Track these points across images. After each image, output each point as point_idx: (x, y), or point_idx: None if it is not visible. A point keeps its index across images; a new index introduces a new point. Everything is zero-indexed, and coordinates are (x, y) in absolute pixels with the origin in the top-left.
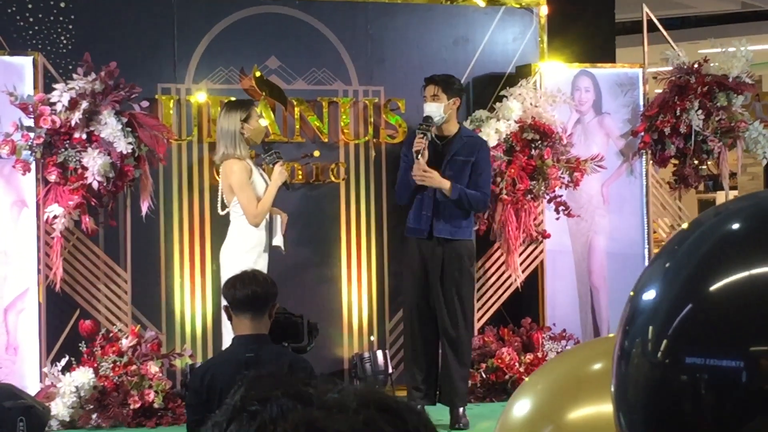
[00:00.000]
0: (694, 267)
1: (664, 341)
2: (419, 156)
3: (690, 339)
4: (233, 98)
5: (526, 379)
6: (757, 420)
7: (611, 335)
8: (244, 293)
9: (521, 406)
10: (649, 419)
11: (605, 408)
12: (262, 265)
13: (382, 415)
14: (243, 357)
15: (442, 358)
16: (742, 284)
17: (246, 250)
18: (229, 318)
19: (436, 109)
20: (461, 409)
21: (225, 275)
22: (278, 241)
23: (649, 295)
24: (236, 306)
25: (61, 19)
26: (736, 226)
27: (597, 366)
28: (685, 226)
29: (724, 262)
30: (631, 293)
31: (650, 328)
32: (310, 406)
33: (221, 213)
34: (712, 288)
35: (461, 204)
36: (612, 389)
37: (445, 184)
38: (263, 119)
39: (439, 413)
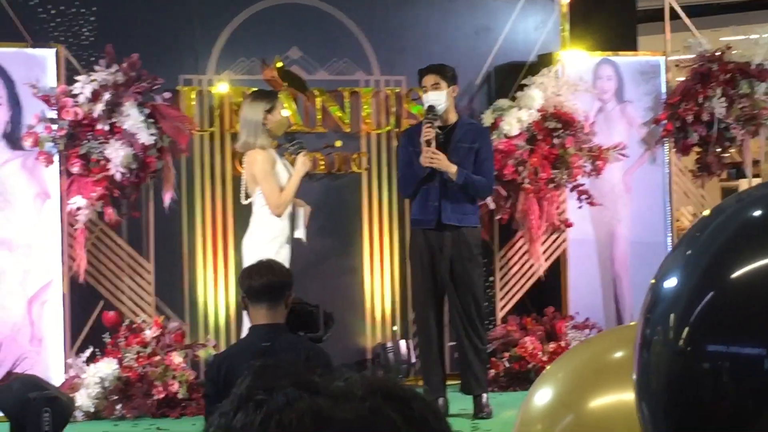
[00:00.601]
0: (715, 254)
1: (686, 329)
2: (430, 146)
3: (712, 327)
4: (255, 89)
5: (548, 367)
6: None
7: (633, 323)
8: (260, 283)
9: (542, 395)
10: (671, 407)
11: (627, 396)
12: (284, 255)
13: (389, 403)
14: (260, 346)
15: (459, 347)
16: (764, 271)
17: (268, 240)
18: (246, 308)
19: (439, 97)
20: (485, 397)
21: (247, 265)
22: (300, 233)
23: (671, 282)
24: (252, 296)
25: (83, 11)
26: (758, 213)
27: (618, 354)
28: (707, 213)
29: (745, 249)
30: (653, 281)
31: (672, 315)
32: (317, 394)
33: (244, 203)
34: (734, 275)
35: (467, 189)
36: (633, 377)
37: (452, 168)
38: (286, 111)
39: (463, 402)
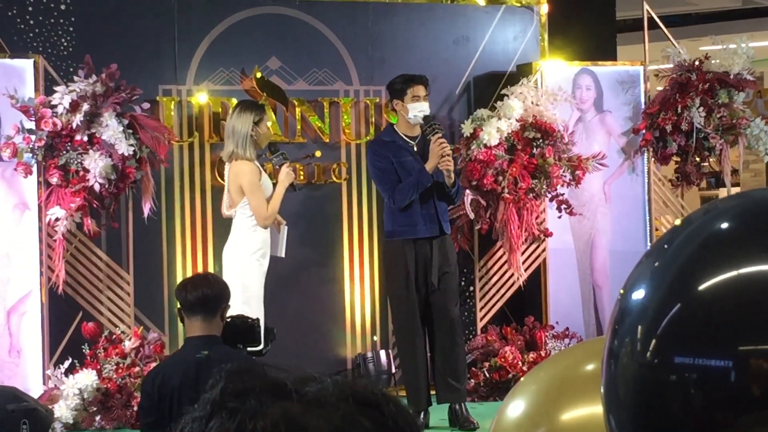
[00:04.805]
0: (682, 266)
1: (653, 341)
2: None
3: (679, 338)
4: (234, 99)
5: (521, 380)
6: (745, 419)
7: (604, 336)
8: (194, 295)
9: (514, 408)
10: (638, 419)
11: (598, 409)
12: (264, 268)
13: (361, 408)
14: (194, 358)
15: (447, 357)
16: (730, 283)
17: (250, 253)
18: (182, 320)
19: (427, 107)
20: (466, 406)
21: (228, 276)
22: (282, 252)
23: (638, 294)
24: (187, 308)
25: (61, 21)
26: (724, 225)
27: (590, 367)
28: (678, 222)
29: (712, 261)
30: (621, 292)
31: (639, 327)
32: (289, 400)
33: (227, 213)
34: (701, 287)
35: (456, 194)
36: (602, 390)
37: (453, 175)
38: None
39: (442, 413)
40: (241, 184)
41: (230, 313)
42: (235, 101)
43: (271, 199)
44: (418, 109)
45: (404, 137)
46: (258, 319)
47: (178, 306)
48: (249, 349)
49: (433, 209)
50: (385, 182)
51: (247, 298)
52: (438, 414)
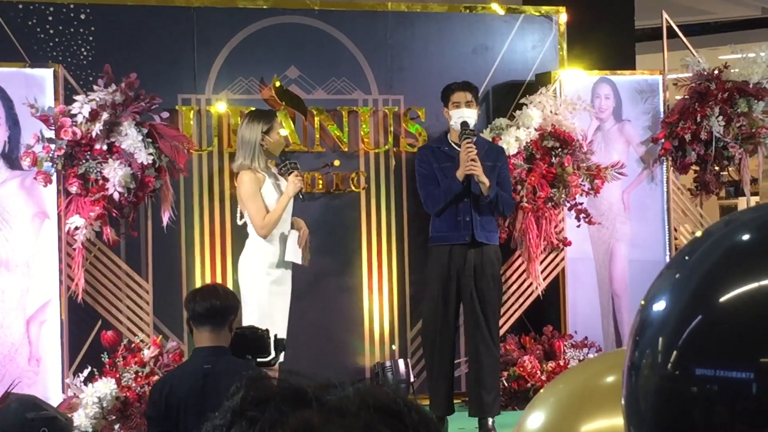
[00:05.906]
0: (703, 278)
1: (674, 352)
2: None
3: (700, 350)
4: (253, 108)
5: (540, 392)
6: (766, 431)
7: (624, 348)
8: (203, 307)
9: (534, 420)
10: (659, 431)
11: (618, 422)
12: (275, 275)
13: (381, 417)
14: (201, 369)
15: (476, 368)
16: (751, 295)
17: (257, 261)
18: (191, 331)
19: (472, 115)
20: (490, 421)
21: (243, 286)
22: (291, 256)
23: (659, 305)
24: (196, 319)
25: (81, 30)
26: (746, 236)
27: (610, 379)
28: (698, 234)
29: (733, 273)
30: (642, 303)
31: (660, 339)
32: (310, 408)
33: (239, 223)
34: (722, 299)
35: (496, 204)
36: (622, 402)
37: (486, 181)
38: (284, 130)
39: (462, 421)
40: (240, 194)
41: (244, 322)
42: None
43: (273, 209)
44: (457, 115)
45: (452, 144)
46: (268, 330)
47: (187, 317)
48: (259, 359)
49: (468, 217)
50: (422, 188)
51: (258, 307)
52: (457, 422)
